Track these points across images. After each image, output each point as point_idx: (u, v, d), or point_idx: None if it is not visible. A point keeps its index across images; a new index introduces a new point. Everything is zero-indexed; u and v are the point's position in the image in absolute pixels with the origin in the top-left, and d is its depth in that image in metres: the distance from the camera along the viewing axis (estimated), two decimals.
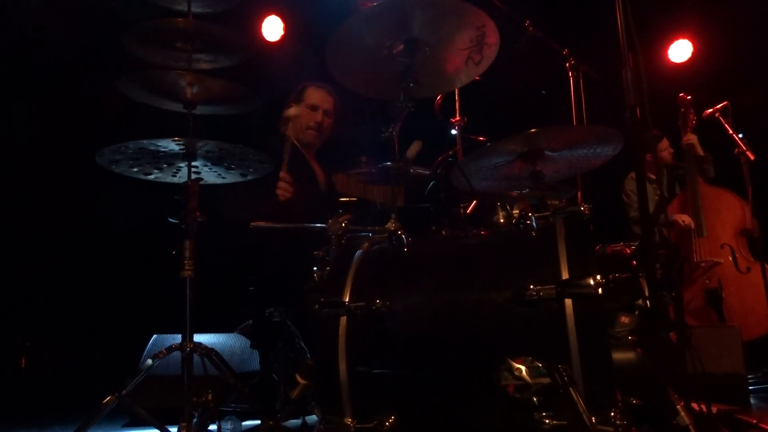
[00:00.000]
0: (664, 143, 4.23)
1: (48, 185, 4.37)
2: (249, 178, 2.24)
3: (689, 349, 1.85)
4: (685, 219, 3.94)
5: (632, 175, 4.14)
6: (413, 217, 2.29)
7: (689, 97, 4.04)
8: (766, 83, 4.24)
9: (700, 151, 4.02)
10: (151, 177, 2.18)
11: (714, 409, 1.97)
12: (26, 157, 4.37)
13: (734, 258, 3.83)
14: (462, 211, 2.41)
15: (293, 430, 2.31)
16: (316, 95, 2.88)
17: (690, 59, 4.66)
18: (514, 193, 2.04)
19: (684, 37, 4.67)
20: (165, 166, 2.10)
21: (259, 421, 2.17)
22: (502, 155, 1.93)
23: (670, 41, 4.69)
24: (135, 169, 2.10)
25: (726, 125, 3.55)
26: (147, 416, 1.91)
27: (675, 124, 4.10)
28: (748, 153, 3.42)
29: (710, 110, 3.73)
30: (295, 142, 2.87)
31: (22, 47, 4.09)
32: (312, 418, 2.41)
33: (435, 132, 3.20)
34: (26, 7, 3.93)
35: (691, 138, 4.00)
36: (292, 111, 2.74)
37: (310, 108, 2.87)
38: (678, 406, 1.59)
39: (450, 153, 2.96)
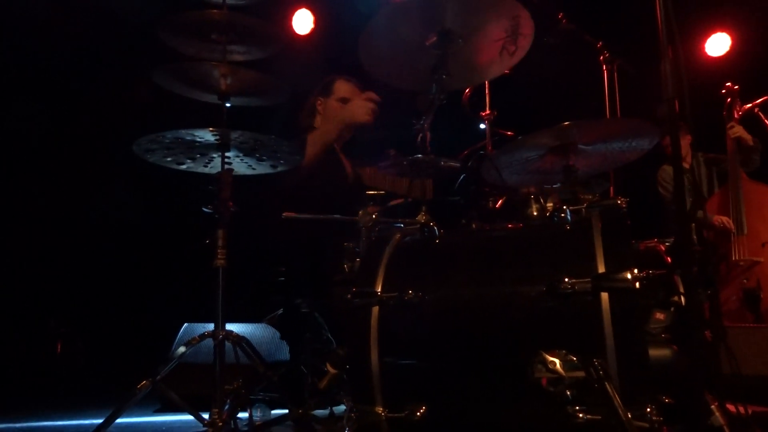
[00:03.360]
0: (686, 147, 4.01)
1: (84, 175, 4.48)
2: (279, 169, 2.25)
3: (725, 349, 1.81)
4: (722, 220, 3.82)
5: (665, 166, 4.02)
6: (443, 210, 2.28)
7: (736, 87, 3.91)
8: None
9: (750, 141, 3.85)
10: (184, 167, 2.21)
11: (749, 411, 1.93)
12: (64, 147, 4.48)
13: None
14: (491, 204, 2.39)
15: (321, 420, 2.33)
16: (345, 88, 2.86)
17: (728, 53, 4.53)
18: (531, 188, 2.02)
19: (722, 31, 4.55)
20: (198, 156, 2.13)
21: (287, 410, 2.19)
22: (534, 149, 1.91)
23: (708, 35, 4.57)
24: (169, 159, 2.14)
25: (766, 120, 3.45)
26: (180, 402, 1.94)
27: (711, 118, 3.99)
28: None
29: (749, 105, 3.63)
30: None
31: (57, 38, 4.18)
32: (339, 408, 2.43)
33: (464, 125, 3.19)
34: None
35: (738, 130, 3.86)
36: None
37: (342, 101, 2.86)
38: (712, 406, 1.55)
39: (479, 147, 2.94)
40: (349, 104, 2.74)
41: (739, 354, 1.86)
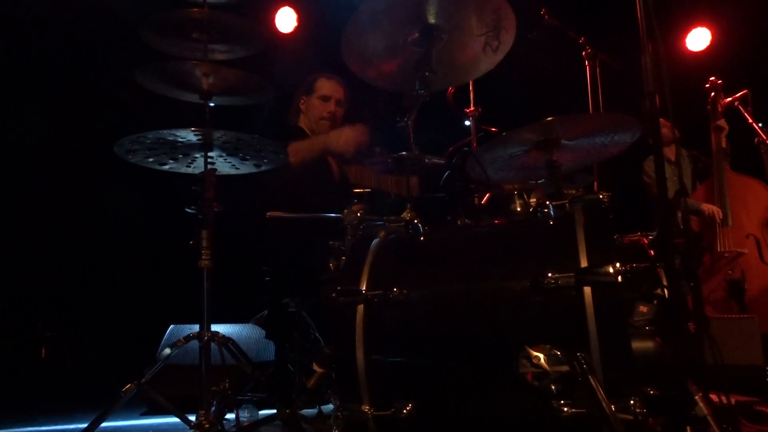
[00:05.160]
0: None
1: (67, 179, 4.43)
2: (263, 168, 2.24)
3: (708, 340, 1.83)
4: (711, 209, 3.86)
5: (652, 156, 4.05)
6: (428, 207, 2.29)
7: (719, 81, 3.95)
8: None
9: (723, 141, 3.93)
10: (166, 167, 2.19)
11: (732, 400, 1.95)
12: (45, 151, 4.42)
13: (759, 248, 3.75)
14: (476, 201, 2.39)
15: (309, 419, 2.32)
16: (327, 86, 2.89)
17: (708, 47, 4.59)
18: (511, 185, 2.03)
19: (702, 25, 4.60)
20: (180, 156, 2.10)
21: (275, 410, 2.18)
22: (518, 145, 1.91)
23: (688, 29, 4.62)
24: (151, 159, 2.11)
25: (746, 114, 3.50)
26: (167, 404, 1.93)
27: (692, 112, 4.03)
28: None
29: (729, 99, 3.68)
30: (309, 132, 2.89)
31: (41, 38, 4.11)
32: (328, 407, 2.43)
33: (448, 122, 3.19)
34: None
35: (723, 123, 3.89)
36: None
37: (322, 99, 2.88)
38: (696, 397, 1.57)
39: (464, 143, 2.95)
40: (335, 132, 2.72)
41: (723, 344, 1.87)
